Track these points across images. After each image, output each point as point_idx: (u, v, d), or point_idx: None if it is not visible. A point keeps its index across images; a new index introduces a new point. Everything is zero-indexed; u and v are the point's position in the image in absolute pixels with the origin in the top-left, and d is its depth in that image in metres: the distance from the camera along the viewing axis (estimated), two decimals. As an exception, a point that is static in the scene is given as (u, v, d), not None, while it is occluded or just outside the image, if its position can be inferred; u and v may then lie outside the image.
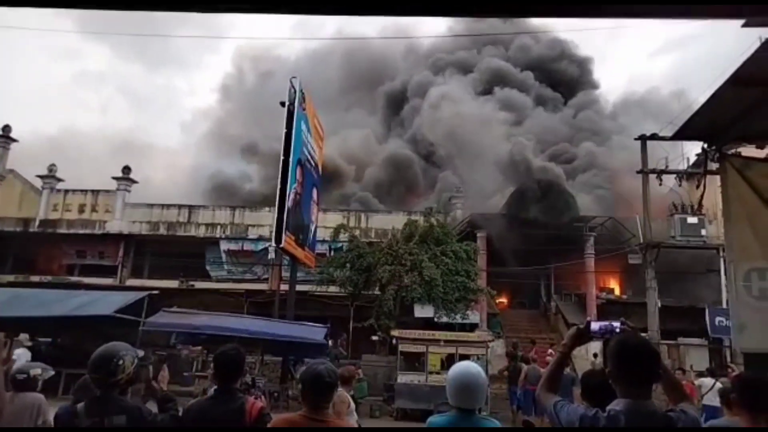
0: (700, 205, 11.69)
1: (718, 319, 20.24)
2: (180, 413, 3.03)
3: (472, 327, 22.45)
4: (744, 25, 2.39)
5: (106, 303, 15.23)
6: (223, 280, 26.70)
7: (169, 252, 26.14)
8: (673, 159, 17.16)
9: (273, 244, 17.85)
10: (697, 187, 6.25)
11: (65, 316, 14.51)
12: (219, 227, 27.30)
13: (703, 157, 5.19)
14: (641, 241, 16.92)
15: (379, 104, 42.59)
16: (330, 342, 18.26)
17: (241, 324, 15.39)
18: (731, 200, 4.63)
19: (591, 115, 35.68)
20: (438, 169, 34.73)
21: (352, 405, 5.72)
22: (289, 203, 17.01)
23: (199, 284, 25.99)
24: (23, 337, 13.70)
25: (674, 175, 16.36)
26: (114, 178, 27.71)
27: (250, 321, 16.23)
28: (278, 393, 15.61)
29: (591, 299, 23.82)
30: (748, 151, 4.97)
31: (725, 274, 16.86)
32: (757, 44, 3.30)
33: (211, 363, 4.51)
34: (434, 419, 2.81)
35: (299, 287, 19.89)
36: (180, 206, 28.01)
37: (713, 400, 9.37)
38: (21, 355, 10.49)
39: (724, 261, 17.99)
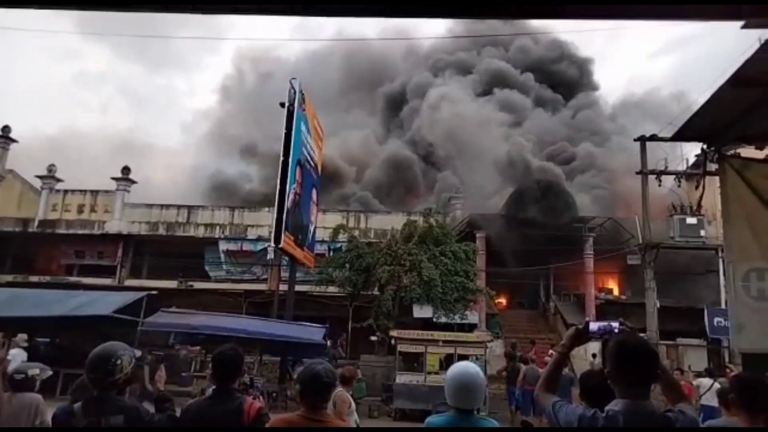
0: (699, 205, 11.71)
1: (716, 319, 20.25)
2: (177, 413, 3.03)
3: (471, 327, 22.46)
4: (743, 27, 2.39)
5: (104, 303, 15.23)
6: (221, 281, 26.68)
7: (168, 252, 26.12)
8: (672, 160, 17.20)
9: (272, 244, 17.86)
10: (696, 187, 6.24)
11: (64, 316, 14.51)
12: (218, 227, 27.30)
13: (702, 158, 5.20)
14: (640, 241, 16.94)
15: (379, 105, 42.62)
16: (329, 342, 18.26)
17: (239, 324, 15.39)
18: (730, 201, 4.63)
19: (590, 116, 35.72)
20: (437, 170, 34.75)
21: (353, 405, 5.76)
22: (288, 204, 17.01)
23: (198, 284, 25.98)
24: (20, 337, 13.67)
25: (673, 176, 16.36)
26: (113, 178, 27.70)
27: (248, 321, 16.23)
28: (277, 393, 15.59)
29: (590, 300, 23.83)
30: (747, 152, 4.97)
31: (724, 275, 16.89)
32: (757, 45, 3.30)
33: (210, 363, 4.51)
34: (433, 419, 2.80)
35: (298, 287, 19.88)
36: (179, 206, 28.01)
37: (711, 400, 9.37)
38: (16, 356, 10.43)
39: (723, 261, 18.04)
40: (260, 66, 47.51)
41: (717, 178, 4.93)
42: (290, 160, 17.18)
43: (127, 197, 27.75)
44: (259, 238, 26.22)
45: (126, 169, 27.80)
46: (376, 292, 20.10)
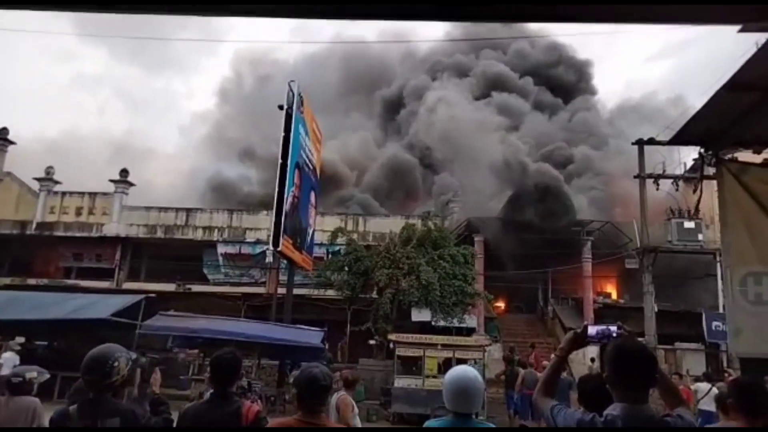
0: (696, 209, 11.73)
1: (714, 323, 20.27)
2: (172, 416, 3.02)
3: (469, 331, 22.43)
4: (740, 30, 2.39)
5: (102, 306, 15.19)
6: (220, 284, 26.65)
7: (167, 255, 26.10)
8: (669, 164, 17.24)
9: (270, 247, 17.83)
10: (694, 191, 6.25)
11: (62, 319, 14.47)
12: (216, 230, 27.25)
13: (699, 162, 5.20)
14: (638, 245, 16.96)
15: (377, 108, 42.65)
16: (327, 345, 18.23)
17: (237, 327, 15.38)
18: (728, 205, 4.63)
19: (587, 119, 35.73)
20: (435, 173, 34.75)
21: (356, 409, 5.79)
22: (286, 206, 17.00)
23: (196, 287, 25.95)
24: (15, 341, 13.64)
25: (671, 180, 16.39)
26: (111, 180, 27.69)
27: (247, 324, 16.23)
28: (275, 397, 15.57)
29: (588, 303, 23.84)
30: (745, 155, 4.97)
31: (722, 279, 16.89)
32: (754, 49, 3.30)
33: (208, 366, 4.50)
34: (431, 423, 2.80)
35: (296, 291, 19.87)
36: (177, 209, 27.98)
37: (709, 404, 9.36)
38: (9, 359, 10.38)
39: (721, 265, 18.04)
40: (259, 68, 47.56)
41: (714, 182, 4.93)
42: (289, 162, 17.18)
43: (125, 200, 27.71)
44: (258, 241, 26.20)
45: (124, 172, 27.78)
46: (374, 295, 20.09)
